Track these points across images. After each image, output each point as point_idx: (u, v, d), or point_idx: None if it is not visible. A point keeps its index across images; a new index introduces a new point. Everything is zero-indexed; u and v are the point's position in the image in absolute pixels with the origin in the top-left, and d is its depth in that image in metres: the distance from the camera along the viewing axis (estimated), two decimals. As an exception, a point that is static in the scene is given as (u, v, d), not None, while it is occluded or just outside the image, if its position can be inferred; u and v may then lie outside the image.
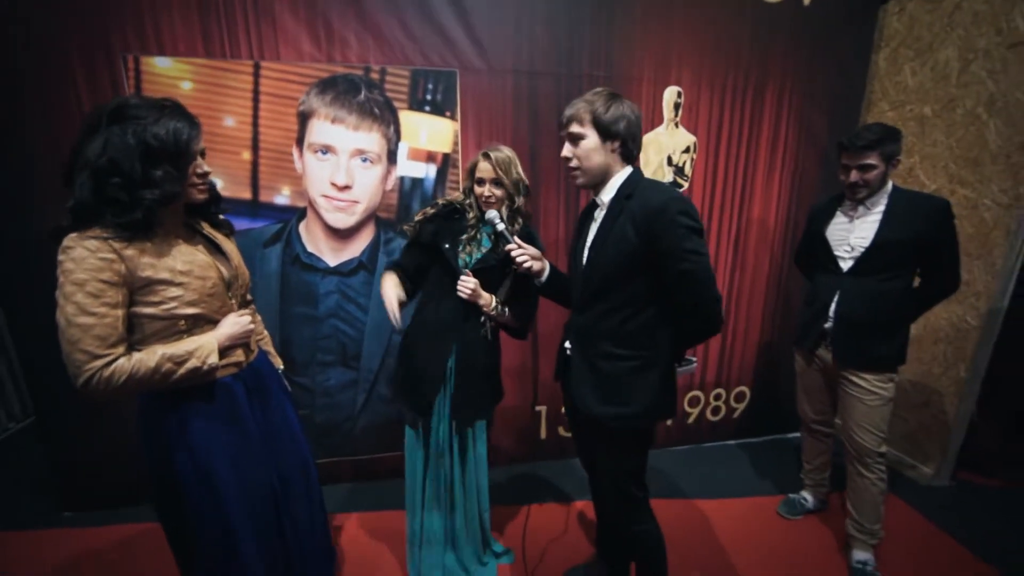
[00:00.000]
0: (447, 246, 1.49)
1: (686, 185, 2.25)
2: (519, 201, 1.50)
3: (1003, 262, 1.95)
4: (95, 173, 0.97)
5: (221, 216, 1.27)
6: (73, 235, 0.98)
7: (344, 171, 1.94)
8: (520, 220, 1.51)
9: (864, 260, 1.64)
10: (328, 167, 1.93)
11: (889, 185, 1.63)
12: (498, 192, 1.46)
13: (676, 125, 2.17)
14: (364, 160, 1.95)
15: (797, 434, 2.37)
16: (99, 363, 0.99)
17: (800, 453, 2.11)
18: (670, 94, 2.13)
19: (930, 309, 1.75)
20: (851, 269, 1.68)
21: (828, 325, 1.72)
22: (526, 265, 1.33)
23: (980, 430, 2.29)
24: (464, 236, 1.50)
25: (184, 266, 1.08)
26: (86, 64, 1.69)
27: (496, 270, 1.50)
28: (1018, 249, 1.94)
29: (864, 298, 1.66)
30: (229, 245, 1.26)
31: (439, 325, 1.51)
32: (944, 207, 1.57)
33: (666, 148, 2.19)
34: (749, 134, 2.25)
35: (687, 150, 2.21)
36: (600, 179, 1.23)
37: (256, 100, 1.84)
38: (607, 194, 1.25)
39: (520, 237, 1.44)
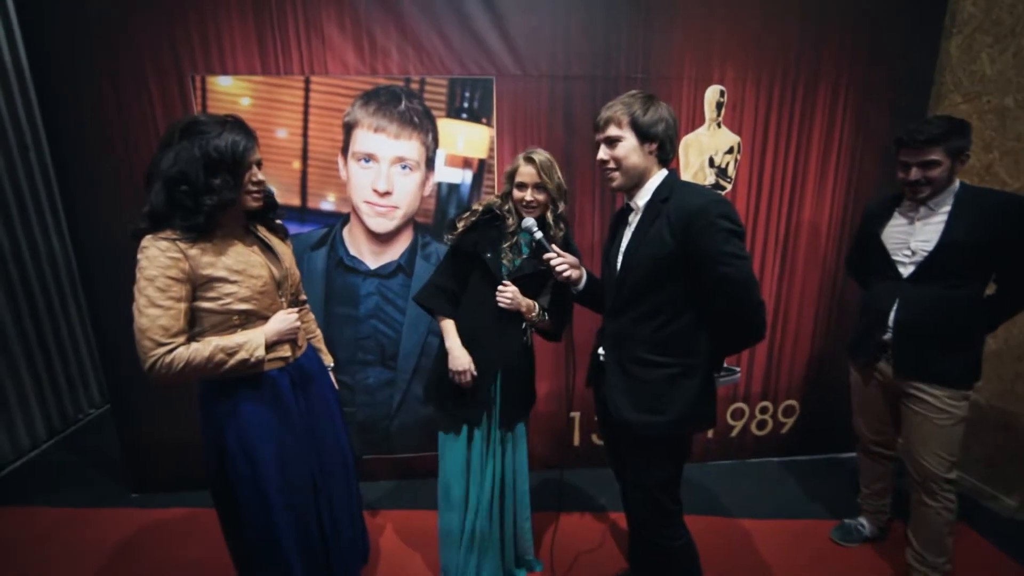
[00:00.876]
0: (489, 255, 1.47)
1: (729, 187, 2.16)
2: (561, 207, 1.48)
3: (1103, 269, 1.73)
4: (167, 182, 1.10)
5: (278, 221, 1.38)
6: (149, 236, 1.11)
7: (385, 178, 2.02)
8: (563, 226, 1.50)
9: (928, 265, 1.49)
10: (370, 174, 2.01)
11: (956, 184, 1.48)
12: (540, 197, 1.44)
13: (719, 125, 2.10)
14: (404, 167, 2.03)
15: (853, 454, 2.19)
16: (162, 350, 1.11)
17: (857, 475, 1.95)
18: (712, 93, 2.06)
19: (1008, 320, 1.57)
20: (912, 275, 1.53)
21: (887, 336, 1.58)
22: (565, 274, 1.33)
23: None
24: (504, 244, 1.49)
25: (239, 265, 1.18)
26: (160, 86, 1.87)
27: (535, 277, 1.50)
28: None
29: (928, 307, 1.50)
30: (282, 248, 1.36)
31: (482, 332, 1.51)
32: (1022, 203, 1.41)
33: (707, 149, 2.12)
34: (800, 132, 2.13)
35: (730, 151, 2.12)
36: (636, 182, 1.22)
37: (306, 113, 1.96)
38: (642, 197, 1.23)
39: (559, 244, 1.44)
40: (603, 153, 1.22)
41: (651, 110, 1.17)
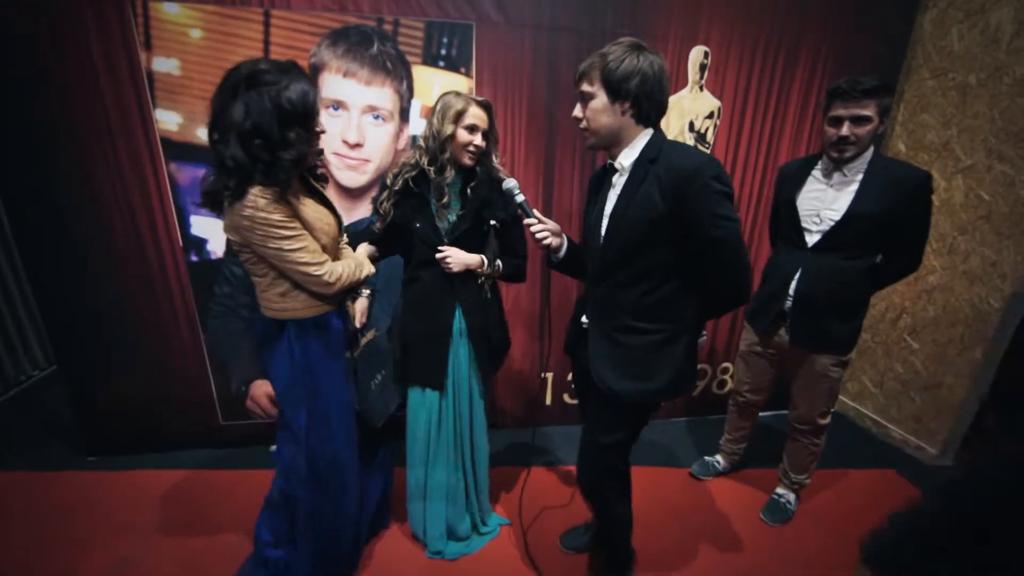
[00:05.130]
0: (418, 225, 1.43)
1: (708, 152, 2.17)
2: (496, 157, 1.45)
3: (1036, 243, 1.88)
4: (242, 136, 1.07)
5: (320, 170, 1.39)
6: (248, 197, 1.11)
7: (355, 128, 1.90)
8: (500, 168, 1.46)
9: (831, 235, 1.53)
10: (339, 124, 1.88)
11: (870, 151, 1.49)
12: (484, 144, 1.40)
13: (701, 88, 2.07)
14: (376, 117, 1.90)
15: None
16: (326, 264, 1.25)
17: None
18: (696, 54, 2.02)
19: (882, 290, 1.66)
20: (816, 244, 1.56)
21: (788, 305, 1.63)
22: (545, 242, 1.26)
23: (987, 413, 2.27)
24: (440, 201, 1.43)
25: (313, 215, 1.25)
26: (96, 13, 1.64)
27: (475, 230, 1.45)
28: (1053, 230, 1.86)
29: (827, 278, 1.55)
30: (329, 196, 1.38)
31: (432, 296, 1.49)
32: (925, 179, 1.45)
33: (688, 113, 2.10)
34: (778, 99, 2.14)
35: (711, 115, 2.12)
36: (611, 142, 1.15)
37: (266, 51, 1.78)
38: (627, 157, 1.15)
39: (498, 193, 1.40)
40: (577, 110, 1.15)
41: (626, 62, 1.05)
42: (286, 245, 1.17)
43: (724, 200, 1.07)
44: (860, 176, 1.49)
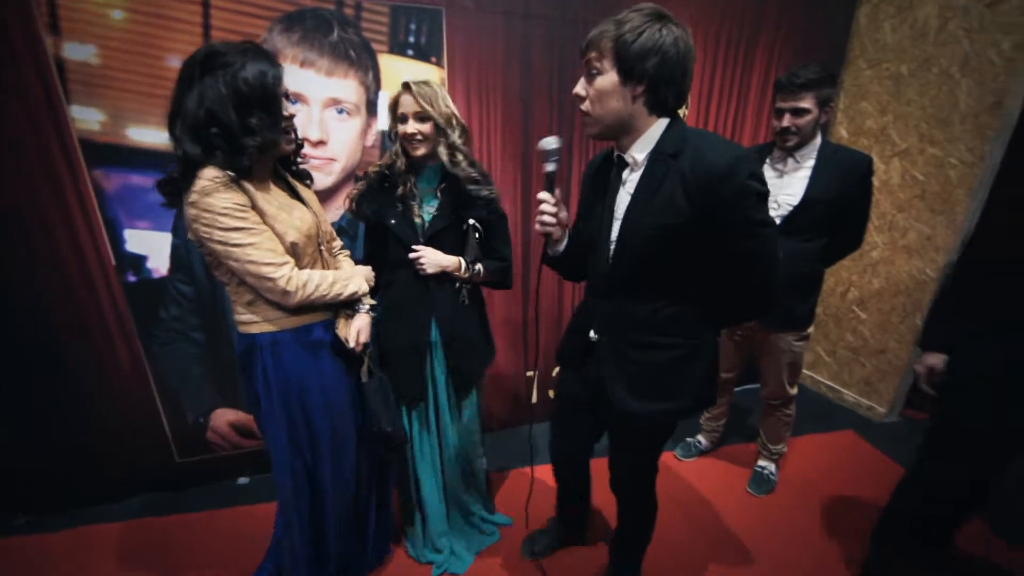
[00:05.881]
0: (393, 222, 1.34)
1: (677, 143, 2.21)
2: (454, 137, 1.30)
3: (964, 218, 2.09)
4: (194, 127, 0.99)
5: (302, 166, 1.28)
6: (196, 181, 0.99)
7: (317, 124, 1.72)
8: (462, 158, 1.33)
9: (789, 219, 1.58)
10: (299, 120, 1.68)
11: (819, 139, 1.57)
12: (425, 128, 1.28)
13: (670, 78, 2.09)
14: (340, 111, 1.74)
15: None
16: (287, 268, 1.08)
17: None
18: (665, 44, 2.03)
19: (830, 267, 1.75)
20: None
21: None
22: (548, 229, 1.09)
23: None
24: (411, 201, 1.35)
25: (277, 208, 1.11)
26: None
27: (454, 228, 1.37)
28: (977, 206, 2.08)
29: (788, 260, 1.55)
30: (309, 194, 1.27)
31: (406, 304, 1.40)
32: (869, 163, 1.54)
33: (659, 103, 2.12)
34: (740, 88, 2.21)
35: (680, 106, 2.15)
36: (617, 131, 0.98)
37: (207, 36, 1.56)
38: (640, 150, 0.98)
39: (471, 182, 1.33)
40: (579, 86, 0.95)
41: (645, 34, 0.87)
42: (233, 238, 1.02)
43: (761, 203, 0.93)
44: (811, 162, 1.57)
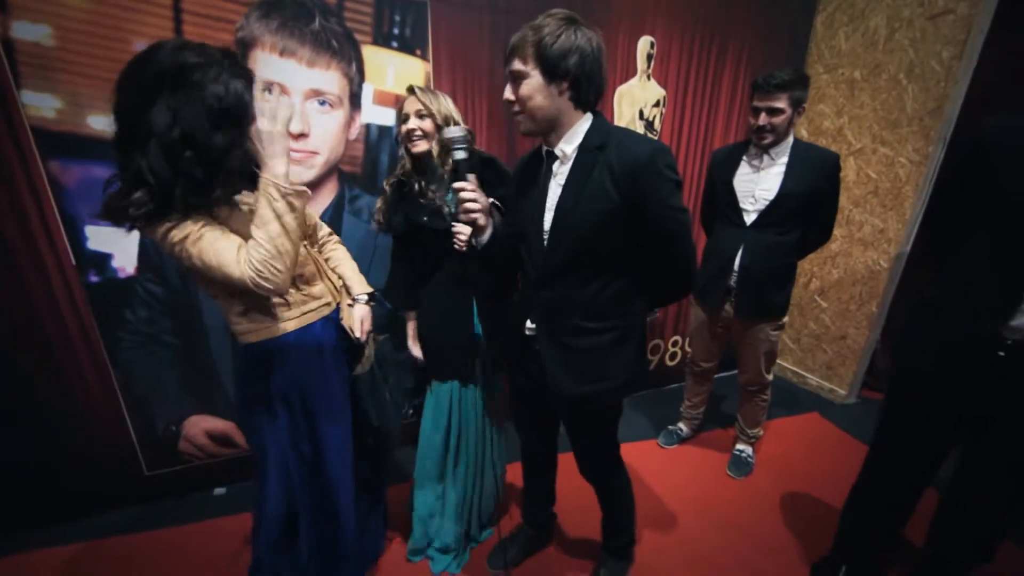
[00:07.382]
0: (426, 219, 1.36)
1: (654, 140, 2.28)
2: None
3: (912, 212, 2.28)
4: (168, 148, 0.87)
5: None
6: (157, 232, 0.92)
7: (298, 116, 1.65)
8: (472, 158, 1.35)
9: (766, 213, 1.69)
10: (278, 110, 1.62)
11: (791, 138, 1.67)
12: (425, 125, 1.34)
13: (648, 77, 2.16)
14: (322, 103, 1.68)
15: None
16: (241, 253, 0.95)
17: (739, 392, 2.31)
18: (644, 44, 2.09)
19: (805, 256, 1.86)
20: (754, 222, 1.71)
21: (733, 281, 1.78)
22: (472, 216, 1.08)
23: (878, 354, 2.73)
24: (427, 198, 1.37)
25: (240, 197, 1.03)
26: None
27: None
28: (923, 200, 2.26)
29: (765, 252, 1.71)
30: None
31: (454, 304, 1.45)
32: (837, 160, 1.64)
33: (638, 101, 2.18)
34: (712, 88, 2.31)
35: (657, 104, 2.22)
36: (548, 127, 1.04)
37: (177, 20, 1.47)
38: (568, 144, 1.05)
39: (476, 175, 1.29)
40: (508, 91, 1.02)
41: (563, 37, 0.95)
42: (210, 252, 0.93)
43: (677, 190, 1.03)
44: (785, 159, 1.67)
